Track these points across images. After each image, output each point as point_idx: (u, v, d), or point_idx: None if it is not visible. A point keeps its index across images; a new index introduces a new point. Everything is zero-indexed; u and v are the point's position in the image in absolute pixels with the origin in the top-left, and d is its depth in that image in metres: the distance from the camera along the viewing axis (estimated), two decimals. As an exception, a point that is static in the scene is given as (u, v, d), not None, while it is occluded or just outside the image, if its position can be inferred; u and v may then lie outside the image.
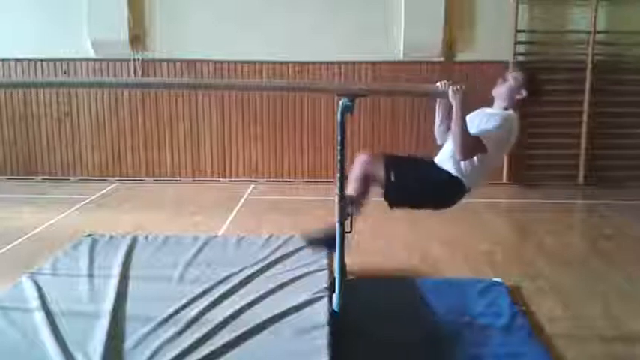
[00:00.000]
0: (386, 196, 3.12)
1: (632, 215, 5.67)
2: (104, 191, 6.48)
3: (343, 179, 3.04)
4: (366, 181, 3.12)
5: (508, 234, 5.17)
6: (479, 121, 3.06)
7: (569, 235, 5.17)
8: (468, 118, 2.99)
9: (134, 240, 3.86)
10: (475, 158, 3.02)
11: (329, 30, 6.66)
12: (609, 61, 6.66)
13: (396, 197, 3.15)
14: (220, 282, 3.19)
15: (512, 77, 3.15)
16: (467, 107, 2.94)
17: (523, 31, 6.57)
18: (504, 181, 6.78)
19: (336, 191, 3.03)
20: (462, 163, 3.03)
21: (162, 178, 6.98)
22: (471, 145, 2.92)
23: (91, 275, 3.32)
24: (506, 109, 3.13)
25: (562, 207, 6.08)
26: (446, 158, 3.14)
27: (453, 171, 3.09)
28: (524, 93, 3.12)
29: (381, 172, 3.07)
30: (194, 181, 6.97)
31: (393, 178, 3.06)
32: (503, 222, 5.56)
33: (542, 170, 6.82)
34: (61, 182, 6.90)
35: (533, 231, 5.18)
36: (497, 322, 3.18)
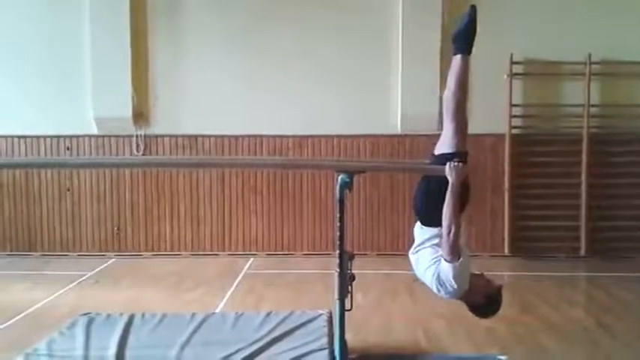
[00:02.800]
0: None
1: (635, 288, 5.60)
2: (102, 267, 6.43)
3: (343, 255, 3.03)
4: None
5: (511, 308, 5.07)
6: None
7: (572, 309, 5.08)
8: None
9: (130, 319, 3.79)
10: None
11: (328, 103, 6.80)
12: (605, 134, 6.76)
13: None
14: (217, 364, 3.11)
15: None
16: (463, 183, 2.96)
17: (518, 105, 6.70)
18: (506, 253, 6.74)
19: (336, 268, 3.02)
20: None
21: (161, 253, 6.94)
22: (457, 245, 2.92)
23: (86, 356, 3.24)
24: None
25: (564, 280, 6.00)
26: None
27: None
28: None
29: None
30: (193, 255, 6.93)
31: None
32: (506, 295, 5.44)
33: (544, 242, 6.78)
34: (60, 258, 6.85)
35: (536, 305, 5.10)
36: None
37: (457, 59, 3.11)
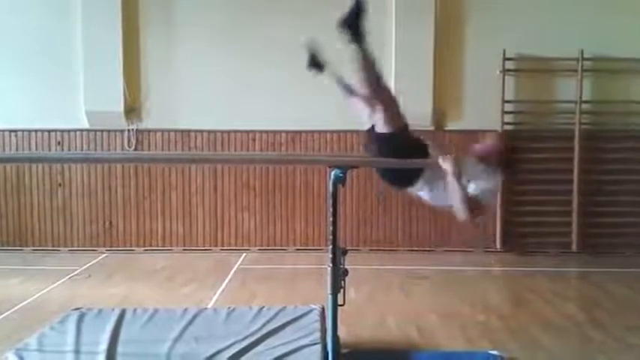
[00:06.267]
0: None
1: (625, 283, 5.64)
2: (94, 262, 6.39)
3: (336, 250, 3.02)
4: None
5: (503, 303, 5.11)
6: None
7: (564, 303, 5.09)
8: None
9: (122, 314, 3.77)
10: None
11: (321, 99, 6.76)
12: (597, 130, 6.79)
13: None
14: (209, 359, 3.10)
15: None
16: (460, 170, 2.95)
17: (510, 102, 6.71)
18: (498, 248, 6.76)
19: (329, 263, 3.01)
20: None
21: (153, 248, 6.91)
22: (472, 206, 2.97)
23: (77, 352, 3.22)
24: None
25: (556, 275, 6.03)
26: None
27: None
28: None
29: None
30: (185, 250, 6.90)
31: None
32: (499, 291, 5.50)
33: (536, 238, 6.81)
34: (51, 253, 6.82)
35: (528, 300, 5.12)
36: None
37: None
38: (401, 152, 3.08)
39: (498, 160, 3.13)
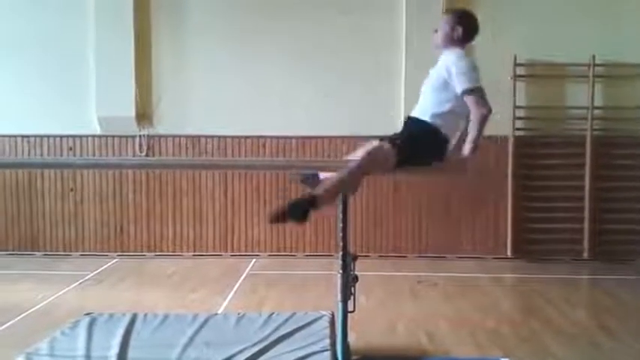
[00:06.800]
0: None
1: (637, 291, 5.60)
2: (105, 267, 6.43)
3: (346, 256, 3.02)
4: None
5: (514, 310, 5.08)
6: (437, 78, 3.20)
7: (575, 311, 5.06)
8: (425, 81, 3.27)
9: (133, 319, 3.79)
10: (447, 107, 3.15)
11: (332, 104, 6.79)
12: (608, 136, 6.74)
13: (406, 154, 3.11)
14: (220, 364, 3.10)
15: (442, 23, 3.29)
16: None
17: (522, 107, 6.69)
18: (509, 255, 6.72)
19: (339, 269, 3.01)
20: (437, 116, 3.17)
21: (163, 253, 6.94)
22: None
23: (88, 357, 3.23)
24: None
25: (567, 282, 5.99)
26: (421, 113, 3.24)
27: (430, 122, 3.18)
28: (460, 30, 3.23)
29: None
30: (195, 255, 6.92)
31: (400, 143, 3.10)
32: (509, 297, 5.47)
33: (547, 244, 6.77)
34: (62, 258, 6.85)
35: (539, 307, 5.09)
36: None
37: None
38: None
39: (463, 24, 3.27)
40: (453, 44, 3.23)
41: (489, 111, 3.09)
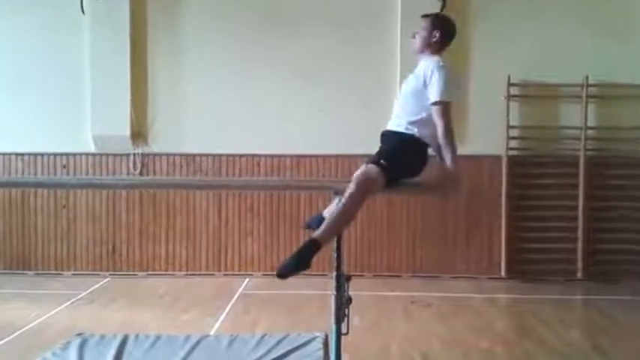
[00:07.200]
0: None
1: (631, 311, 5.58)
2: (97, 286, 6.37)
3: (340, 277, 3.01)
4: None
5: (508, 330, 5.06)
6: (416, 84, 3.17)
7: (569, 331, 5.04)
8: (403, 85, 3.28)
9: (124, 340, 3.74)
10: (424, 115, 3.14)
11: (327, 121, 6.79)
12: (601, 156, 6.77)
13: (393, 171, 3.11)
14: (211, 387, 3.07)
15: (420, 29, 3.26)
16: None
17: (515, 127, 6.72)
18: (503, 275, 6.70)
19: (333, 290, 2.99)
20: (412, 123, 3.17)
21: (156, 272, 6.89)
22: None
23: (78, 379, 3.20)
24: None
25: (561, 302, 5.98)
26: (395, 124, 3.25)
27: (404, 132, 3.19)
28: (438, 35, 3.21)
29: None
30: (188, 275, 6.87)
31: (384, 162, 3.07)
32: (503, 318, 5.45)
33: (541, 264, 6.75)
34: (54, 276, 6.79)
35: (532, 327, 5.06)
36: None
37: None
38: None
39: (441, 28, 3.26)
40: (431, 49, 3.24)
41: (451, 125, 3.10)
